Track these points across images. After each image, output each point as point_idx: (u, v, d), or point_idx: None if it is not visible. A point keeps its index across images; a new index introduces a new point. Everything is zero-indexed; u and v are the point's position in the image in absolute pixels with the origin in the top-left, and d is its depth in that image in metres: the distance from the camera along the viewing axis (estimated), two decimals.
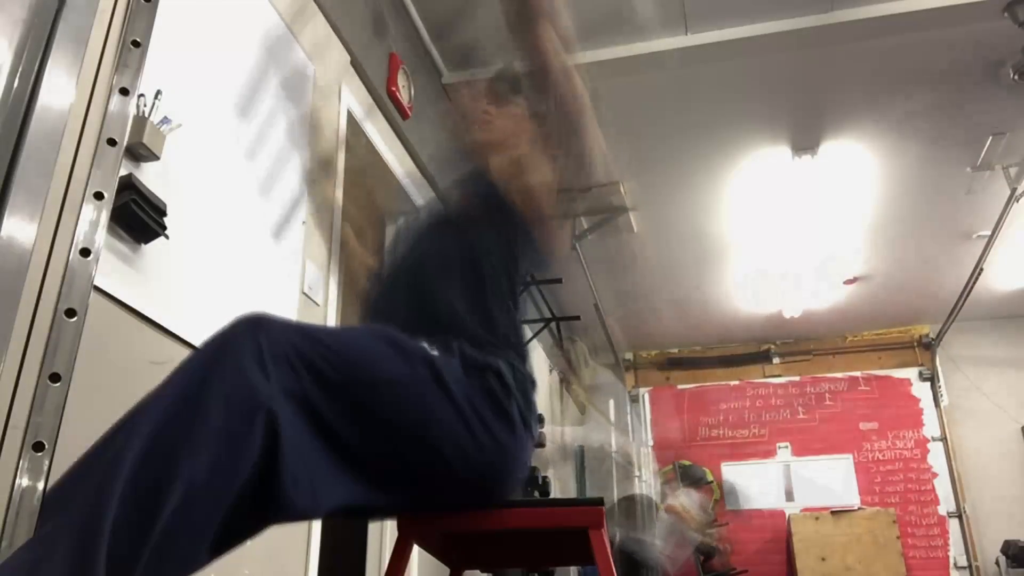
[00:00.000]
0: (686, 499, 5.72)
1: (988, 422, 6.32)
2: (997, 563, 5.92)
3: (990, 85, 3.73)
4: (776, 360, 6.99)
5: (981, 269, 5.19)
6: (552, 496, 4.48)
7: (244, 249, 2.04)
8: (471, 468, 1.17)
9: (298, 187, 2.36)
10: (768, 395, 6.92)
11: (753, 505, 6.57)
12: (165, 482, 0.81)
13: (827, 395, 6.78)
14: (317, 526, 2.25)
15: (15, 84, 0.89)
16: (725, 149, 4.32)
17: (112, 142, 0.99)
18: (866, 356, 6.80)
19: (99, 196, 0.96)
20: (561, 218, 1.52)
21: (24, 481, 0.84)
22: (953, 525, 6.17)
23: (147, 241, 1.60)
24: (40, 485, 0.85)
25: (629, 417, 6.85)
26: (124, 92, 1.02)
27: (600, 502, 1.29)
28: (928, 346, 6.64)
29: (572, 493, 5.82)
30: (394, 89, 3.14)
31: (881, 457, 6.47)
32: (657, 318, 6.35)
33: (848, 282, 5.89)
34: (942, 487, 6.29)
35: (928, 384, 6.59)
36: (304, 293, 2.34)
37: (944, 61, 3.60)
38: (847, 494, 6.36)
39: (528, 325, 4.66)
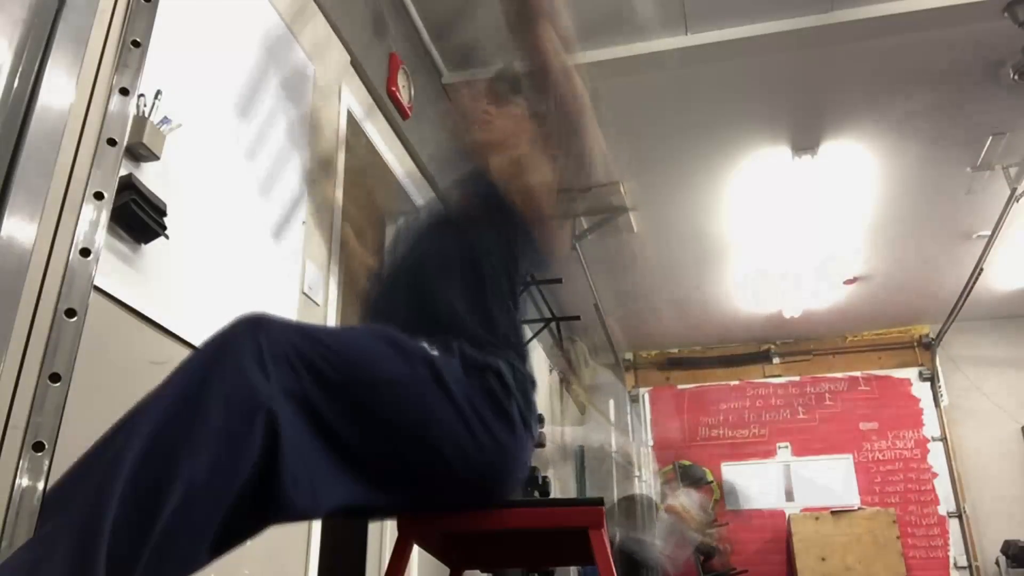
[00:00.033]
0: (686, 499, 5.72)
1: (988, 422, 6.32)
2: (997, 563, 5.92)
3: (990, 85, 3.73)
4: (776, 360, 6.99)
5: (981, 269, 5.19)
6: (552, 496, 4.48)
7: (244, 249, 2.04)
8: (471, 468, 1.17)
9: (298, 187, 2.36)
10: (768, 395, 6.92)
11: (753, 505, 6.57)
12: (165, 482, 0.81)
13: (827, 395, 6.78)
14: (317, 526, 2.25)
15: (15, 84, 0.89)
16: (725, 149, 4.32)
17: (112, 142, 0.99)
18: (866, 356, 6.80)
19: (99, 196, 0.96)
20: (561, 218, 1.52)
21: (24, 481, 0.84)
22: (953, 525, 6.17)
23: (147, 241, 1.60)
24: (40, 485, 0.85)
25: (629, 417, 6.85)
26: (124, 92, 1.02)
27: (600, 502, 1.29)
28: (928, 346, 6.64)
29: (572, 493, 5.82)
30: (394, 89, 3.14)
31: (881, 457, 6.47)
32: (657, 318, 6.35)
33: (848, 282, 5.89)
34: (942, 487, 6.29)
35: (928, 384, 6.59)
36: (304, 293, 2.34)
37: (944, 61, 3.61)
38: (847, 494, 6.36)
39: (528, 325, 4.66)
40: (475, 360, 1.22)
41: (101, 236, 0.96)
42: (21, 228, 0.87)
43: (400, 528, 1.30)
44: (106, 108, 1.00)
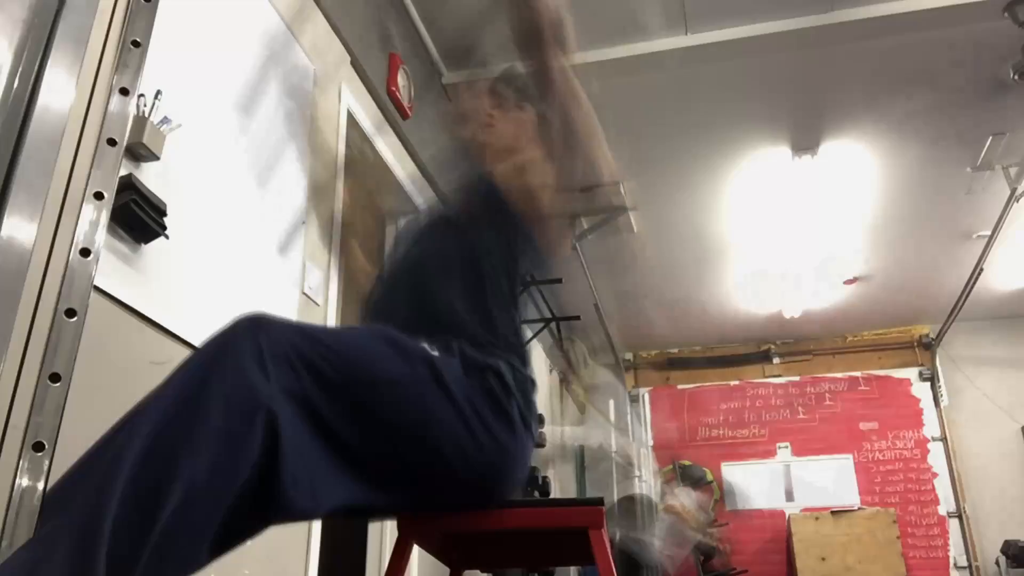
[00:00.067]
0: (686, 499, 5.72)
1: (988, 422, 6.32)
2: (997, 563, 5.92)
3: (990, 85, 3.73)
4: (776, 360, 6.99)
5: (981, 269, 5.19)
6: (552, 496, 4.48)
7: (244, 249, 2.04)
8: (471, 468, 1.17)
9: (298, 187, 2.36)
10: (768, 395, 6.92)
11: (753, 505, 6.57)
12: (165, 482, 0.81)
13: (827, 395, 6.78)
14: (317, 526, 2.25)
15: (15, 84, 0.89)
16: (725, 149, 4.32)
17: (112, 142, 0.99)
18: (866, 356, 6.80)
19: (99, 196, 0.96)
20: (562, 219, 1.52)
21: (24, 481, 0.84)
22: (953, 525, 6.17)
23: (147, 241, 1.60)
24: (40, 485, 0.85)
25: (629, 417, 6.85)
26: (124, 92, 1.02)
27: (600, 502, 1.29)
28: (928, 346, 6.64)
29: (572, 493, 5.82)
30: (394, 89, 3.14)
31: (881, 457, 6.47)
32: (657, 318, 6.35)
33: (848, 282, 5.89)
34: (942, 487, 6.29)
35: (928, 384, 6.59)
36: (304, 293, 2.34)
37: (944, 61, 3.60)
38: (847, 494, 6.36)
39: (528, 325, 4.66)
40: (475, 360, 1.22)
41: (101, 236, 0.96)
42: (21, 228, 0.87)
43: (400, 528, 1.30)
44: (106, 108, 1.00)
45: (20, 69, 0.90)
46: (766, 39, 3.34)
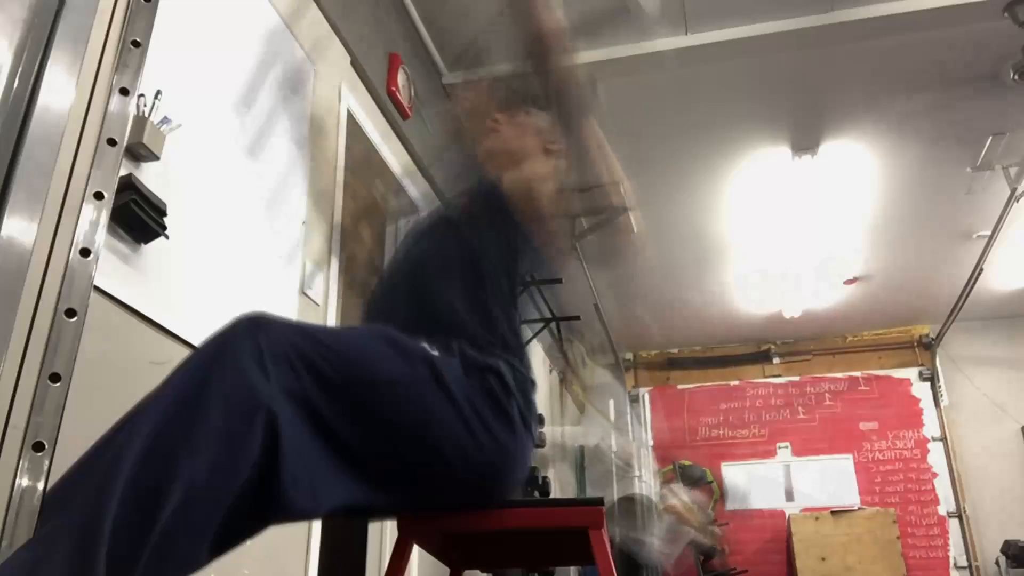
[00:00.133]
0: (685, 497, 5.72)
1: (988, 422, 6.32)
2: (997, 563, 5.92)
3: (990, 85, 3.73)
4: (776, 360, 6.99)
5: (981, 269, 5.19)
6: (552, 496, 4.47)
7: (244, 249, 2.04)
8: (471, 468, 1.17)
9: (298, 187, 2.36)
10: (768, 395, 6.92)
11: (753, 505, 6.57)
12: (165, 482, 0.81)
13: (827, 395, 6.78)
14: (317, 526, 2.25)
15: (15, 84, 0.89)
16: (725, 149, 4.32)
17: (112, 142, 0.99)
18: (866, 356, 6.80)
19: (99, 196, 0.96)
20: (563, 221, 1.52)
21: (24, 481, 0.84)
22: (953, 525, 6.17)
23: (147, 241, 1.60)
24: (40, 485, 0.85)
25: (629, 417, 6.85)
26: (124, 92, 1.02)
27: (600, 502, 1.29)
28: (928, 346, 6.64)
29: (572, 493, 5.82)
30: (394, 89, 3.14)
31: (881, 457, 6.47)
32: (657, 318, 6.35)
33: (848, 282, 5.89)
34: (942, 487, 6.29)
35: (928, 384, 6.59)
36: (304, 293, 2.34)
37: (944, 61, 3.60)
38: (847, 494, 6.36)
39: (528, 325, 4.66)
40: (475, 360, 1.22)
41: (101, 236, 0.96)
42: (21, 228, 0.87)
43: (400, 528, 1.30)
44: (106, 108, 1.00)
45: (20, 69, 0.90)
46: (766, 39, 3.34)
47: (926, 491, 6.30)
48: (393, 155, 3.17)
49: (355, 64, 2.88)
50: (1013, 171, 4.38)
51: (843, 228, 5.13)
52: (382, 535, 2.92)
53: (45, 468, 0.86)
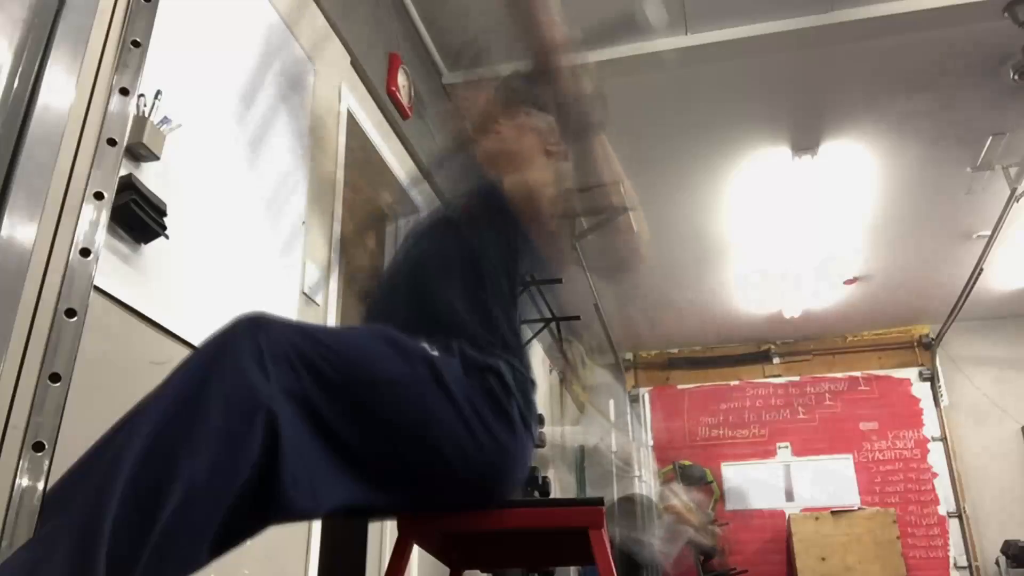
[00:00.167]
0: (685, 497, 5.72)
1: (988, 422, 6.32)
2: (997, 563, 5.92)
3: (990, 85, 3.73)
4: (776, 360, 6.99)
5: (981, 269, 5.19)
6: (552, 496, 4.47)
7: (244, 249, 2.04)
8: (471, 468, 1.17)
9: (298, 187, 2.36)
10: (768, 395, 6.92)
11: (753, 505, 6.57)
12: (165, 482, 0.81)
13: (827, 395, 6.78)
14: (317, 526, 2.25)
15: (15, 84, 0.89)
16: (725, 149, 4.32)
17: (112, 142, 0.99)
18: (866, 356, 6.80)
19: (99, 196, 0.96)
20: (563, 223, 1.52)
21: (24, 481, 0.84)
22: (953, 525, 6.17)
23: (147, 241, 1.60)
24: (40, 485, 0.85)
25: (629, 417, 6.85)
26: (124, 92, 1.02)
27: (600, 502, 1.29)
28: (928, 346, 6.64)
29: (572, 493, 5.82)
30: (394, 89, 3.14)
31: (881, 457, 6.47)
32: (657, 318, 6.35)
33: (848, 282, 5.89)
34: (942, 487, 6.29)
35: (928, 384, 6.59)
36: (304, 293, 2.34)
37: (944, 61, 3.60)
38: (847, 494, 6.36)
39: (528, 325, 4.65)
40: (475, 360, 1.22)
41: (101, 236, 0.96)
42: (21, 228, 0.87)
43: (400, 528, 1.30)
44: (106, 108, 1.00)
45: (20, 69, 0.90)
46: (766, 39, 3.34)
47: (926, 491, 6.30)
48: (393, 155, 3.17)
49: (355, 64, 2.88)
50: (1013, 171, 4.38)
51: (843, 228, 5.13)
52: (382, 535, 2.92)
53: (45, 468, 0.86)
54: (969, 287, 5.40)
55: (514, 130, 1.59)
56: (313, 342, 1.03)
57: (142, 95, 1.58)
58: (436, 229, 1.52)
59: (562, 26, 1.43)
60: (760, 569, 6.20)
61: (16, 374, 0.88)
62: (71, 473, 0.86)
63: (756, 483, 6.62)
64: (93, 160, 0.97)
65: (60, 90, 0.93)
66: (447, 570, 1.57)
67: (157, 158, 1.62)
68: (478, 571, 2.30)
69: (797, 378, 6.89)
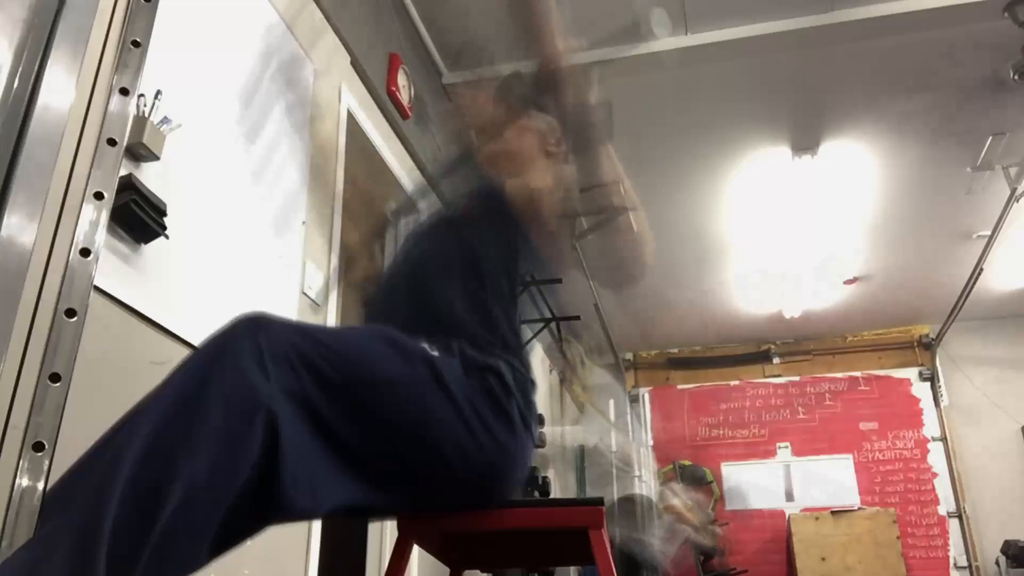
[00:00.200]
0: (685, 496, 5.72)
1: (988, 422, 6.32)
2: (997, 563, 5.92)
3: (990, 85, 3.73)
4: (776, 360, 6.99)
5: (981, 269, 5.19)
6: (552, 496, 4.48)
7: (244, 249, 2.04)
8: (471, 468, 1.17)
9: (298, 187, 2.36)
10: (768, 395, 6.92)
11: (753, 505, 6.57)
12: (165, 482, 0.81)
13: (827, 395, 6.78)
14: (317, 526, 2.25)
15: (15, 84, 0.89)
16: (725, 149, 4.32)
17: (112, 142, 0.99)
18: (866, 356, 6.80)
19: (99, 196, 0.96)
20: (564, 223, 1.53)
21: (24, 481, 0.84)
22: (953, 525, 6.17)
23: (147, 241, 1.60)
24: (40, 485, 0.85)
25: (629, 417, 6.85)
26: (124, 92, 1.02)
27: (600, 502, 1.29)
28: (928, 346, 6.64)
29: (572, 493, 5.82)
30: (394, 89, 3.14)
31: (881, 457, 6.47)
32: (657, 318, 6.35)
33: (848, 282, 5.89)
34: (942, 487, 6.29)
35: (928, 384, 6.59)
36: (304, 293, 2.34)
37: (944, 61, 3.60)
38: (847, 494, 6.36)
39: (528, 325, 4.65)
40: (475, 360, 1.22)
41: (101, 236, 0.96)
42: (21, 228, 0.87)
43: (400, 528, 1.30)
44: (106, 108, 1.00)
45: (20, 69, 0.90)
46: (766, 39, 3.34)
47: (926, 491, 6.30)
48: (393, 155, 3.17)
49: (355, 64, 2.88)
50: (1013, 171, 4.38)
51: (843, 228, 5.13)
52: (382, 535, 2.92)
53: (45, 468, 0.86)
54: (969, 287, 5.40)
55: (514, 131, 1.59)
56: (313, 342, 1.03)
57: (142, 95, 1.58)
58: (436, 230, 1.53)
59: (566, 36, 1.43)
60: (760, 569, 6.21)
61: (16, 374, 0.88)
62: (71, 473, 0.86)
63: (756, 483, 6.63)
64: (93, 160, 0.97)
65: (60, 90, 0.93)
66: (447, 570, 1.57)
67: (157, 158, 1.62)
68: (478, 571, 2.30)
69: (797, 378, 6.89)
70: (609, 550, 1.26)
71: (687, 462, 6.69)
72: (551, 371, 6.13)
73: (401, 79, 3.21)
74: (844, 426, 6.62)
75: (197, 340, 1.66)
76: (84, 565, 0.74)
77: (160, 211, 1.58)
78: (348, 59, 2.84)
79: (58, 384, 0.88)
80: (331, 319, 2.51)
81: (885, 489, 6.35)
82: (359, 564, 2.89)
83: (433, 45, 3.58)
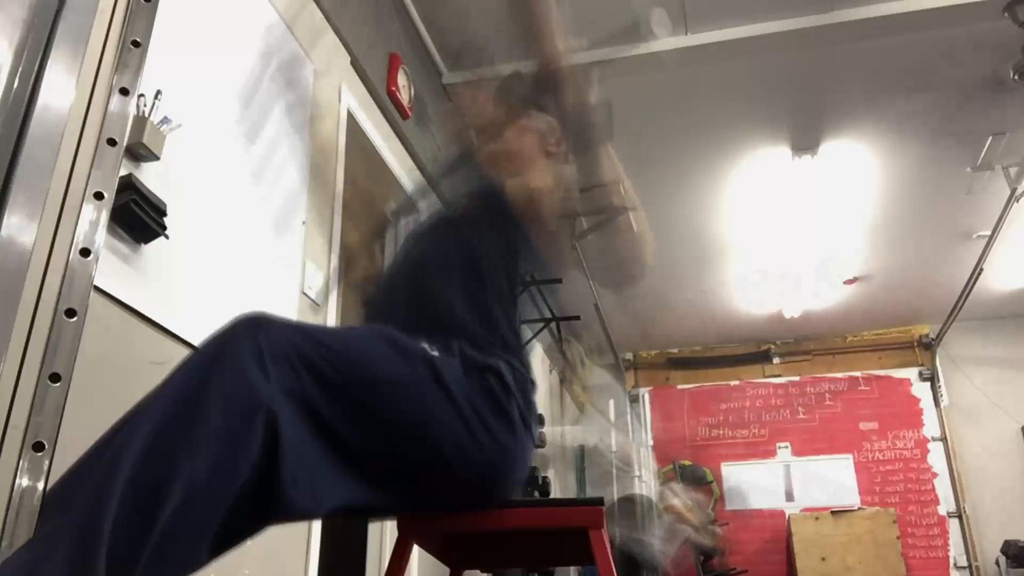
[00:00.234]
0: (685, 496, 5.72)
1: (988, 422, 6.32)
2: (997, 563, 5.92)
3: (990, 85, 3.73)
4: (776, 360, 6.99)
5: (981, 269, 5.19)
6: (552, 496, 4.48)
7: (244, 249, 2.04)
8: (471, 468, 1.17)
9: (298, 187, 2.36)
10: (768, 395, 6.92)
11: (753, 505, 6.57)
12: (165, 482, 0.81)
13: (827, 395, 6.78)
14: (317, 526, 2.25)
15: (15, 84, 0.89)
16: (725, 149, 4.32)
17: (112, 142, 0.99)
18: (866, 356, 6.80)
19: (99, 196, 0.96)
20: (564, 223, 1.53)
21: (24, 481, 0.84)
22: (953, 525, 6.17)
23: (147, 241, 1.60)
24: (40, 485, 0.85)
25: (629, 417, 6.85)
26: (124, 92, 1.02)
27: (600, 502, 1.29)
28: (928, 346, 6.64)
29: (572, 493, 5.82)
30: (394, 89, 3.14)
31: (881, 457, 6.47)
32: (657, 318, 6.35)
33: (848, 282, 5.89)
34: (942, 487, 6.29)
35: (928, 384, 6.59)
36: (304, 293, 2.34)
37: (944, 61, 3.60)
38: (847, 494, 6.36)
39: (528, 325, 4.65)
40: (475, 360, 1.22)
41: (101, 236, 0.96)
42: (21, 228, 0.87)
43: (400, 528, 1.30)
44: (106, 108, 1.00)
45: (20, 69, 0.90)
46: (766, 39, 3.34)
47: (926, 491, 6.30)
48: (393, 155, 3.17)
49: (355, 64, 2.88)
50: (1013, 171, 4.38)
51: (843, 228, 5.13)
52: (382, 535, 2.92)
53: (45, 468, 0.86)
54: (969, 287, 5.40)
55: (514, 131, 1.60)
56: (313, 342, 1.03)
57: (142, 95, 1.58)
58: (436, 230, 1.53)
59: (566, 36, 1.43)
60: (760, 569, 6.21)
61: (16, 374, 0.88)
62: (71, 473, 0.86)
63: (756, 483, 6.63)
64: (93, 160, 0.97)
65: (60, 90, 0.93)
66: (447, 570, 1.57)
67: (157, 158, 1.62)
68: (478, 571, 2.30)
69: (797, 378, 6.89)
70: (609, 550, 1.26)
71: (687, 462, 6.69)
72: (551, 371, 6.13)
73: (401, 79, 3.21)
74: (844, 426, 6.62)
75: (197, 340, 1.66)
76: (84, 565, 0.74)
77: (160, 211, 1.58)
78: (348, 59, 2.84)
79: (58, 384, 0.88)
80: (331, 319, 2.51)
81: (885, 489, 6.35)
82: (359, 564, 2.89)
83: (433, 45, 3.58)
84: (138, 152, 1.58)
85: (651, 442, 6.92)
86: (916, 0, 3.20)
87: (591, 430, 6.25)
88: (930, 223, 5.09)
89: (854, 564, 5.79)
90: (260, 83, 2.18)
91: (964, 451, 6.33)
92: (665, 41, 3.41)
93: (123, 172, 1.47)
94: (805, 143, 4.23)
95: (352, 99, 2.83)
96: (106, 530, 0.76)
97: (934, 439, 6.42)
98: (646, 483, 6.05)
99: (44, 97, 0.91)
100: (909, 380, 6.65)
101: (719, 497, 6.63)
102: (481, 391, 1.20)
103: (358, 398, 1.06)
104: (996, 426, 6.30)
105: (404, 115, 3.24)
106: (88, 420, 0.98)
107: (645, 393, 7.14)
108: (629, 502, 5.65)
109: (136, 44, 1.05)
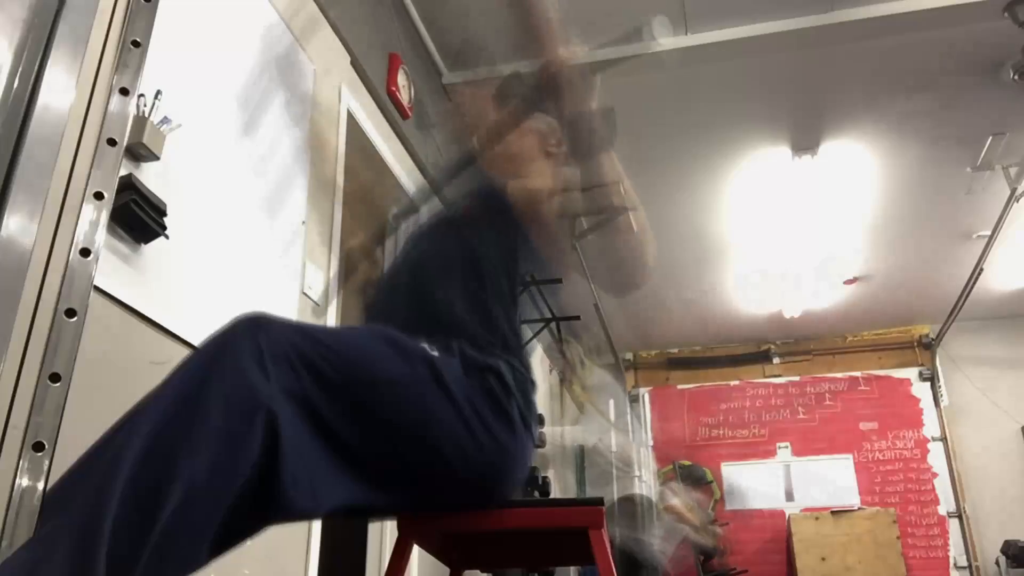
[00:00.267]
0: (685, 496, 5.72)
1: (988, 422, 6.32)
2: (997, 563, 5.92)
3: (990, 85, 3.73)
4: (776, 360, 6.99)
5: (981, 269, 5.19)
6: (552, 496, 4.48)
7: (244, 249, 2.04)
8: (471, 468, 1.17)
9: (298, 187, 2.36)
10: (768, 395, 6.92)
11: (753, 505, 6.57)
12: (165, 482, 0.81)
13: (827, 395, 6.78)
14: (317, 526, 2.25)
15: (15, 84, 0.89)
16: (725, 149, 4.32)
17: (112, 142, 0.99)
18: (866, 356, 6.80)
19: (99, 196, 0.96)
20: (564, 223, 1.53)
21: (24, 481, 0.84)
22: (953, 525, 6.17)
23: (147, 241, 1.60)
24: (40, 485, 0.85)
25: (629, 417, 6.85)
26: (124, 92, 1.02)
27: (600, 502, 1.29)
28: (928, 346, 6.64)
29: (572, 493, 5.82)
30: (394, 89, 3.14)
31: (881, 457, 6.47)
32: (657, 318, 6.34)
33: (848, 282, 5.89)
34: (942, 487, 6.29)
35: (928, 384, 6.59)
36: (304, 293, 2.34)
37: (944, 61, 3.61)
38: (847, 494, 6.36)
39: (528, 325, 4.65)
40: (475, 360, 1.22)
41: (101, 236, 0.96)
42: (21, 228, 0.87)
43: (400, 528, 1.30)
44: (106, 108, 1.00)
45: (20, 69, 0.90)
46: (766, 39, 3.34)
47: (926, 491, 6.30)
48: (393, 155, 3.17)
49: (355, 64, 2.88)
50: (1013, 171, 4.38)
51: (843, 228, 5.13)
52: (382, 535, 2.92)
53: (45, 468, 0.86)
54: (969, 287, 5.40)
55: (517, 132, 1.59)
56: (313, 342, 1.03)
57: (142, 95, 1.58)
58: (437, 230, 1.53)
59: (567, 39, 1.43)
60: (760, 569, 6.20)
61: (16, 374, 0.88)
62: (71, 473, 0.86)
63: (756, 483, 6.62)
64: (93, 160, 0.97)
65: (60, 90, 0.93)
66: (447, 570, 1.57)
67: (157, 158, 1.62)
68: (478, 571, 2.30)
69: (797, 378, 6.89)
70: (609, 550, 1.26)
71: (687, 462, 6.69)
72: (551, 371, 6.13)
73: (401, 79, 3.21)
74: (844, 426, 6.62)
75: (197, 340, 1.66)
76: (84, 565, 0.74)
77: (160, 211, 1.58)
78: (348, 59, 2.84)
79: (58, 384, 0.88)
80: (331, 319, 2.51)
81: (885, 489, 6.35)
82: (359, 564, 2.89)
83: (433, 45, 3.58)
84: (138, 152, 1.58)
85: (651, 442, 6.92)
86: (916, 0, 3.21)
87: (591, 430, 6.25)
88: (930, 223, 5.09)
89: (854, 564, 5.79)
90: (260, 83, 2.18)
91: (964, 451, 6.33)
92: (665, 41, 3.41)
93: (123, 172, 1.47)
94: (805, 143, 4.23)
95: (352, 99, 2.83)
96: (106, 530, 0.76)
97: (934, 439, 6.42)
98: (646, 483, 6.05)
99: (44, 97, 0.91)
100: (909, 380, 6.65)
101: (719, 497, 6.63)
102: (481, 391, 1.20)
103: (358, 398, 1.06)
104: (996, 426, 6.30)
105: (404, 115, 3.24)
106: (88, 420, 0.98)
107: (645, 393, 7.14)
108: (629, 502, 5.65)
109: (136, 44, 1.05)
